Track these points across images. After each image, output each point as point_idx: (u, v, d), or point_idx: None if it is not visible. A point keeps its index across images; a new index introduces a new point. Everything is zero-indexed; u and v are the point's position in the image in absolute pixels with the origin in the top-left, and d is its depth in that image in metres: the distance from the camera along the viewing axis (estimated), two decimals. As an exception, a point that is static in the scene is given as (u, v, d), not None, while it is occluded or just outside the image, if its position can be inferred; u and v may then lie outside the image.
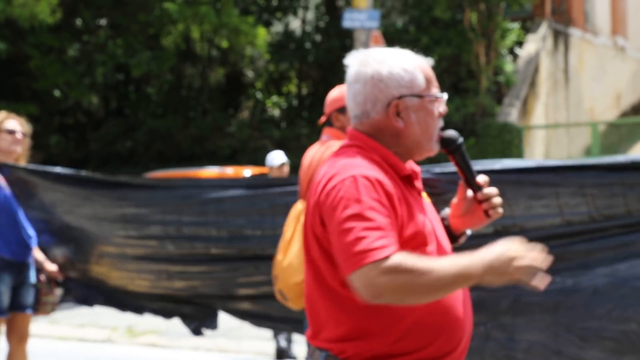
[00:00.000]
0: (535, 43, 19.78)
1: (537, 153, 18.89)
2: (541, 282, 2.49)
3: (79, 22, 20.10)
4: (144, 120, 20.90)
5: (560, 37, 20.80)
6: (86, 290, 6.29)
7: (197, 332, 6.07)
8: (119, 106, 22.63)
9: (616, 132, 21.11)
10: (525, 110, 18.90)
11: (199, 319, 6.02)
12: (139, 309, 6.18)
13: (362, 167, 2.58)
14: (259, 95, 22.34)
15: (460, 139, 2.80)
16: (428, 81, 2.71)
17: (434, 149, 2.75)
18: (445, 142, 2.78)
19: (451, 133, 2.79)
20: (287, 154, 19.90)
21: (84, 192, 6.02)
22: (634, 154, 18.04)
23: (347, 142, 2.75)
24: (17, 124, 6.17)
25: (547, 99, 19.94)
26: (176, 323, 6.56)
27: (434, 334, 2.60)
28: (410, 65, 2.70)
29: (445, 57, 18.55)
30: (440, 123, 2.75)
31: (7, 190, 6.14)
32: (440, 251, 2.68)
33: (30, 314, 6.20)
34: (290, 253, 4.79)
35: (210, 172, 13.73)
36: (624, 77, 24.13)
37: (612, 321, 4.13)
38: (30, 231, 6.20)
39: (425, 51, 17.99)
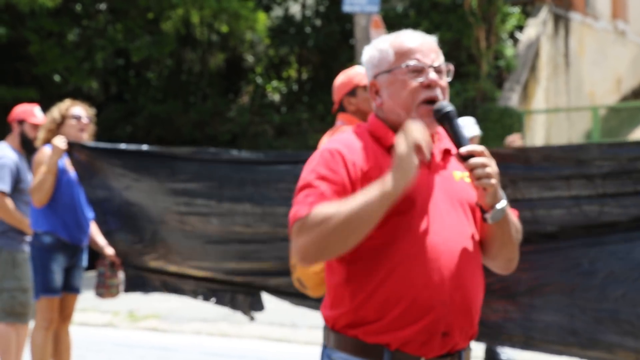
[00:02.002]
0: (536, 27, 19.73)
1: (537, 137, 18.88)
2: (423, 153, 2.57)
3: (78, 6, 20.03)
4: (144, 105, 20.87)
5: (560, 21, 20.75)
6: (142, 278, 6.35)
7: (250, 316, 6.09)
8: (119, 91, 22.60)
9: (617, 117, 21.10)
10: (525, 94, 18.88)
11: (247, 301, 6.03)
12: (192, 293, 6.24)
13: (337, 142, 2.75)
14: (259, 80, 22.29)
15: (446, 109, 2.73)
16: (399, 55, 2.78)
17: (414, 119, 2.74)
18: (434, 113, 2.76)
19: (440, 103, 2.75)
20: (288, 138, 19.99)
21: (144, 166, 6.08)
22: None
23: (359, 123, 2.93)
24: (82, 110, 6.36)
25: (547, 83, 19.91)
26: (177, 307, 6.58)
27: (393, 302, 2.64)
28: (383, 44, 2.82)
29: (445, 42, 18.50)
30: (426, 93, 2.74)
31: (71, 173, 6.31)
32: (431, 225, 2.67)
33: (77, 295, 6.48)
34: None
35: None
36: (625, 61, 24.09)
37: (627, 304, 4.14)
38: (90, 215, 6.39)
39: (425, 35, 17.97)
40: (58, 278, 6.28)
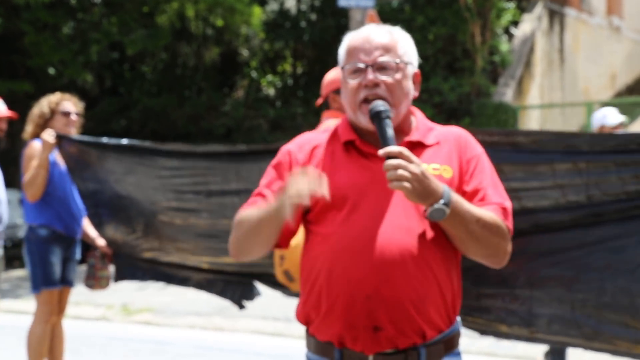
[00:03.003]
0: (531, 23, 19.74)
1: (532, 133, 18.85)
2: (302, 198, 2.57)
3: (73, -1, 20.01)
4: (138, 98, 20.84)
5: (555, 16, 20.76)
6: (133, 267, 6.37)
7: (239, 305, 6.10)
8: (113, 85, 22.56)
9: (611, 113, 21.08)
10: (520, 90, 18.89)
11: (238, 291, 6.04)
12: (183, 281, 6.26)
13: (292, 143, 2.89)
14: (254, 74, 22.27)
15: (378, 108, 2.71)
16: (348, 54, 2.81)
17: (361, 120, 2.77)
18: (368, 112, 2.75)
19: (374, 103, 2.74)
20: (282, 133, 19.97)
21: (130, 161, 6.10)
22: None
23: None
24: (71, 106, 6.39)
25: (542, 79, 19.92)
26: (171, 300, 6.59)
27: (322, 300, 2.71)
28: (345, 41, 2.86)
29: (440, 37, 18.51)
30: (365, 92, 2.74)
31: (62, 166, 6.32)
32: (366, 220, 2.66)
33: (71, 288, 6.48)
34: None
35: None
36: (619, 57, 24.11)
37: (625, 296, 4.15)
38: (81, 207, 6.42)
39: (420, 30, 17.97)
40: (57, 270, 6.31)
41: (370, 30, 2.82)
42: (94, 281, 6.45)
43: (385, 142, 2.65)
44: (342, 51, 2.84)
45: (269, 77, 22.19)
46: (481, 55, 18.15)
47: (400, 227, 2.66)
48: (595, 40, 22.81)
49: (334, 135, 2.85)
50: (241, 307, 6.00)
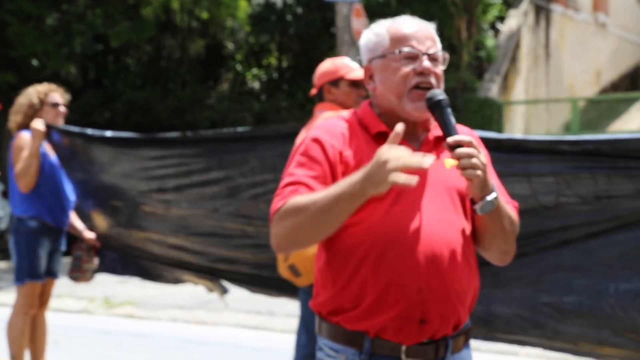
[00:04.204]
0: (517, 18, 19.76)
1: (516, 128, 18.91)
2: (410, 179, 2.47)
3: (57, -10, 19.88)
4: (122, 91, 20.75)
5: (541, 12, 20.78)
6: (113, 260, 6.34)
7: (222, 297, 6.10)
8: (97, 77, 22.44)
9: (596, 109, 21.16)
10: (505, 85, 18.90)
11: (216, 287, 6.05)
12: (158, 277, 6.24)
13: (319, 129, 2.76)
14: (239, 67, 22.20)
15: (438, 97, 2.72)
16: (394, 41, 2.76)
17: (407, 107, 2.74)
18: (426, 101, 2.75)
19: (432, 91, 2.74)
20: (267, 126, 19.90)
21: (113, 152, 6.09)
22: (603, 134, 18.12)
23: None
24: (59, 97, 6.38)
25: (527, 74, 19.94)
26: (153, 294, 6.55)
27: (368, 288, 2.64)
28: (381, 29, 2.81)
29: (426, 31, 18.49)
30: (418, 79, 2.73)
31: (52, 157, 6.30)
32: (411, 212, 2.65)
33: (56, 279, 6.44)
34: None
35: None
36: (605, 53, 24.16)
37: (591, 296, 4.15)
38: (72, 197, 6.41)
39: (406, 25, 17.94)
40: (43, 263, 6.28)
41: (417, 21, 2.82)
42: (80, 273, 6.43)
43: (450, 131, 2.67)
44: (384, 38, 2.78)
45: (254, 70, 22.13)
46: (467, 50, 18.15)
47: (443, 220, 2.69)
48: (581, 36, 22.85)
49: (359, 125, 2.78)
50: (225, 292, 6.01)
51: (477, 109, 17.40)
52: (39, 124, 6.10)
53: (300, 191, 2.62)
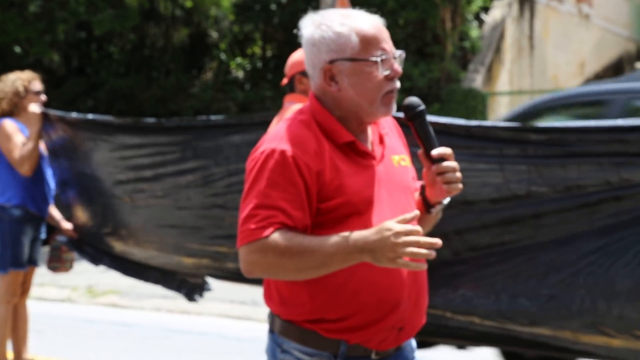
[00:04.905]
0: (501, 9, 19.77)
1: (501, 120, 18.93)
2: (420, 264, 2.45)
3: (40, -23, 19.76)
4: (105, 79, 20.66)
5: (526, 3, 20.80)
6: (94, 249, 6.33)
7: (190, 297, 6.10)
8: (80, 65, 22.33)
9: (579, 100, 21.18)
10: (490, 76, 18.92)
11: (192, 283, 6.02)
12: (138, 274, 6.22)
13: (286, 141, 2.58)
14: (223, 56, 22.12)
15: (421, 107, 2.69)
16: (365, 43, 2.62)
17: (381, 111, 2.66)
18: (404, 109, 2.71)
19: (412, 100, 2.70)
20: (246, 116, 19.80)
21: (94, 137, 6.08)
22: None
23: (303, 106, 2.76)
24: (39, 85, 6.38)
25: (511, 65, 19.97)
26: (136, 283, 6.53)
27: (357, 304, 2.60)
28: (344, 28, 2.63)
29: (411, 22, 18.46)
30: (391, 85, 2.65)
31: (39, 147, 6.27)
32: (384, 219, 2.58)
33: (35, 268, 6.42)
34: None
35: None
36: (588, 45, 24.21)
37: (566, 289, 4.18)
38: (52, 186, 6.43)
39: (391, 15, 17.90)
40: (26, 251, 6.28)
41: (372, 17, 2.70)
42: (60, 263, 6.43)
43: (433, 144, 2.67)
44: (351, 39, 2.62)
45: (238, 59, 22.06)
46: (451, 40, 18.15)
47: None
48: (565, 27, 22.89)
49: (322, 133, 2.64)
50: (192, 300, 6.01)
51: (462, 99, 17.40)
52: (35, 108, 6.18)
53: (279, 220, 2.50)
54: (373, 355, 2.67)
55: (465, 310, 4.47)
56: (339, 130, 2.65)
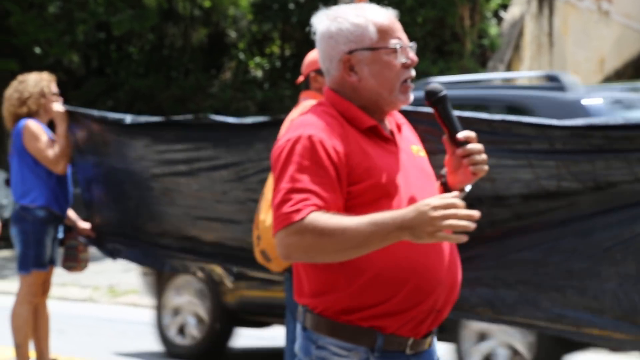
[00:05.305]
0: (520, 6, 19.70)
1: (520, 117, 18.87)
2: (460, 236, 2.42)
3: (60, -22, 19.85)
4: (125, 79, 20.75)
5: (544, 0, 20.72)
6: (116, 244, 6.37)
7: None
8: (100, 65, 22.43)
9: (599, 97, 21.09)
10: (509, 73, 18.86)
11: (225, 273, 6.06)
12: (162, 264, 6.27)
13: (311, 127, 2.61)
14: (241, 56, 22.17)
15: (443, 92, 2.73)
16: (382, 33, 2.68)
17: (400, 99, 2.70)
18: (427, 95, 2.75)
19: (434, 85, 2.75)
20: (270, 115, 19.84)
21: (126, 136, 6.15)
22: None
23: (319, 100, 2.79)
24: (56, 86, 6.53)
25: (531, 62, 19.89)
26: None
27: (396, 287, 2.59)
28: (360, 19, 2.69)
29: (429, 20, 18.44)
30: (408, 73, 2.70)
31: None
32: (414, 202, 2.58)
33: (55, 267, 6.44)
34: (269, 212, 4.73)
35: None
36: (608, 42, 24.09)
37: (593, 280, 4.17)
38: (71, 187, 6.49)
39: (409, 13, 17.88)
40: (49, 252, 6.31)
41: (384, 9, 2.75)
42: (76, 263, 6.45)
43: (457, 127, 2.70)
44: (368, 29, 2.67)
45: (257, 59, 22.10)
46: (470, 38, 18.11)
47: None
48: (584, 24, 22.79)
49: (346, 120, 2.67)
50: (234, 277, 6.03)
51: (481, 97, 17.35)
52: (59, 107, 6.30)
53: (313, 202, 2.51)
54: (407, 350, 2.66)
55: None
56: (361, 117, 2.68)
